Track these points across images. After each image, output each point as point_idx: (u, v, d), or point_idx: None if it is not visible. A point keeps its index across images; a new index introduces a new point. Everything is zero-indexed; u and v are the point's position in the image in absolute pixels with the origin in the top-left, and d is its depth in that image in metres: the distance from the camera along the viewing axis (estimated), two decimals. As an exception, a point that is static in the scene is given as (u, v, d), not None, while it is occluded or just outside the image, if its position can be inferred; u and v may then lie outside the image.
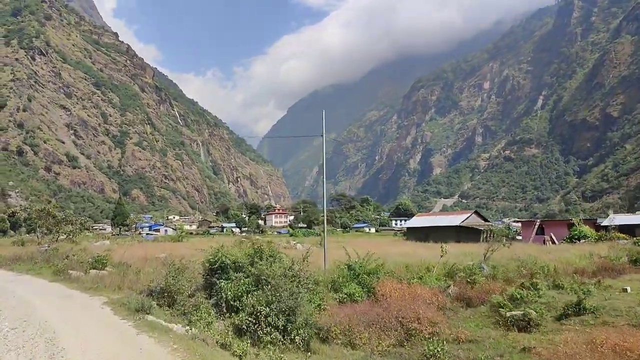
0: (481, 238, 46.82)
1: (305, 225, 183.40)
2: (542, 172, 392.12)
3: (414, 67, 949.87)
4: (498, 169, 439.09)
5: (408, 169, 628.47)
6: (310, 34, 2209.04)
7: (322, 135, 30.13)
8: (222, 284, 13.75)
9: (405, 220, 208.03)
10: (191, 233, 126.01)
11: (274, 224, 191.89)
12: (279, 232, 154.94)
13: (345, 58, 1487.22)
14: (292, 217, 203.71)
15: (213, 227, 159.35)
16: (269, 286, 13.38)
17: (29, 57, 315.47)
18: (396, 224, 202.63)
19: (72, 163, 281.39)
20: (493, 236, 37.57)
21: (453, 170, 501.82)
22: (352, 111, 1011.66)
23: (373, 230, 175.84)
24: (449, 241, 48.09)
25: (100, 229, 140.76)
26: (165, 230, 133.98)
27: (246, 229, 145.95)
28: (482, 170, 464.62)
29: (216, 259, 14.98)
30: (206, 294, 14.63)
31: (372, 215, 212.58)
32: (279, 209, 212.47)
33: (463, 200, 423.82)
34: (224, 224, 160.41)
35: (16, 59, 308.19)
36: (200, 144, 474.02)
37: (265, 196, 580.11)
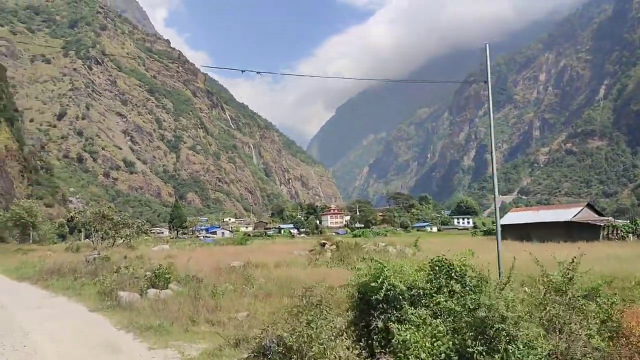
0: (601, 235, 39.22)
1: (363, 225, 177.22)
2: (607, 165, 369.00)
3: (464, 62, 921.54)
4: (559, 163, 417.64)
5: (462, 166, 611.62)
6: (356, 33, 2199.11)
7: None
8: (403, 334, 6.79)
9: (468, 218, 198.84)
10: (248, 235, 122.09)
11: (329, 225, 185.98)
12: (337, 233, 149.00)
13: (394, 55, 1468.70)
14: (347, 217, 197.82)
15: (269, 228, 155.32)
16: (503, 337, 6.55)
17: (86, 66, 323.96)
18: (458, 222, 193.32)
19: (129, 168, 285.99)
20: (617, 233, 29.76)
21: (511, 165, 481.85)
22: (402, 109, 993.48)
23: (435, 229, 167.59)
24: (558, 240, 40.59)
25: (158, 233, 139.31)
26: (222, 233, 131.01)
27: (304, 229, 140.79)
28: (542, 165, 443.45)
29: (378, 281, 7.75)
30: (359, 346, 7.53)
31: (432, 214, 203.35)
32: (334, 209, 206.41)
33: (523, 197, 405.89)
34: (281, 225, 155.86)
35: (74, 69, 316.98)
36: (252, 147, 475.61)
37: (317, 197, 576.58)
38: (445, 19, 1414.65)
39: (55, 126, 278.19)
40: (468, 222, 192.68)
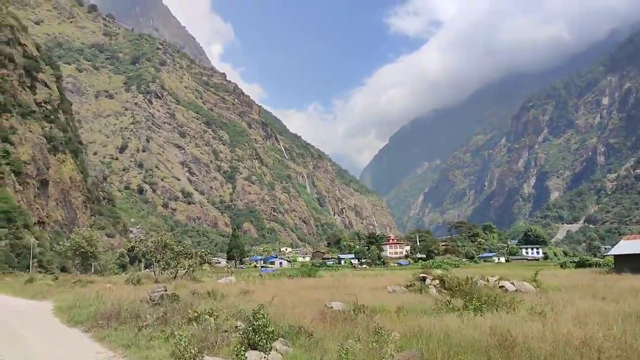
0: None
1: (424, 256, 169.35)
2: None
3: (520, 87, 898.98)
4: (629, 189, 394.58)
5: (522, 193, 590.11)
6: (409, 61, 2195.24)
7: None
8: None
9: (537, 248, 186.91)
10: (315, 265, 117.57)
11: (389, 255, 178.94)
12: (399, 264, 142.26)
13: (447, 82, 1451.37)
14: (407, 247, 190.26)
15: (328, 258, 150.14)
16: None
17: (146, 100, 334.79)
18: (527, 252, 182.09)
19: (187, 199, 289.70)
20: None
21: (575, 193, 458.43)
22: (456, 136, 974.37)
23: (502, 259, 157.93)
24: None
25: (216, 263, 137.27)
26: (280, 263, 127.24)
27: (365, 260, 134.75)
28: (609, 192, 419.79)
29: None
30: None
31: (498, 244, 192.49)
32: (393, 239, 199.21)
33: (590, 225, 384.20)
34: (341, 255, 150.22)
35: (135, 103, 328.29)
36: (306, 177, 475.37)
37: (371, 227, 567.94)
38: (499, 44, 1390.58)
39: (117, 158, 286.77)
40: (537, 252, 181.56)
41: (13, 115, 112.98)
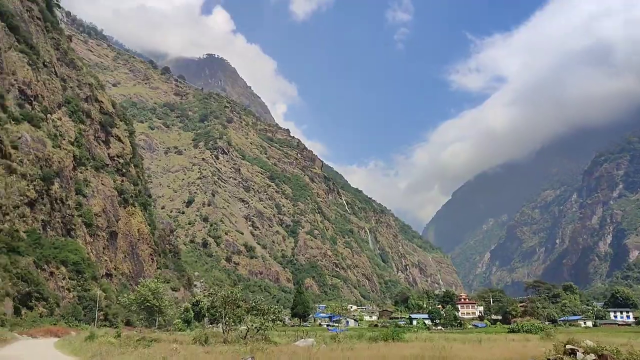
0: None
1: (501, 318, 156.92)
2: None
3: (590, 140, 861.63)
4: None
5: (597, 252, 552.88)
6: (471, 117, 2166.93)
7: None
8: None
9: (627, 312, 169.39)
10: (376, 325, 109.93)
11: (461, 315, 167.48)
12: (475, 325, 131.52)
13: (512, 137, 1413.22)
14: (481, 308, 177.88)
15: (397, 317, 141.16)
16: None
17: (213, 156, 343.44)
18: (615, 316, 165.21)
19: (249, 253, 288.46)
20: None
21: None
22: (524, 192, 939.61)
23: (589, 323, 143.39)
24: None
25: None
26: (347, 322, 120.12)
27: (439, 321, 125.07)
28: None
29: None
30: None
31: (581, 306, 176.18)
32: (465, 298, 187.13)
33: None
34: (412, 315, 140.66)
35: (203, 159, 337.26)
36: (368, 232, 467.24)
37: (436, 285, 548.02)
38: (566, 97, 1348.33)
39: (183, 212, 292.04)
40: (628, 317, 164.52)
41: (87, 169, 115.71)
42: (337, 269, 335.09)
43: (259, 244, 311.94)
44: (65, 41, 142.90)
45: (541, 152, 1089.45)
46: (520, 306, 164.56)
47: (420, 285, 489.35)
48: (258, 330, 41.28)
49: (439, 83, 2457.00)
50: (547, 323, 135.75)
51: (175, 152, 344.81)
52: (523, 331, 78.98)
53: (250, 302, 44.56)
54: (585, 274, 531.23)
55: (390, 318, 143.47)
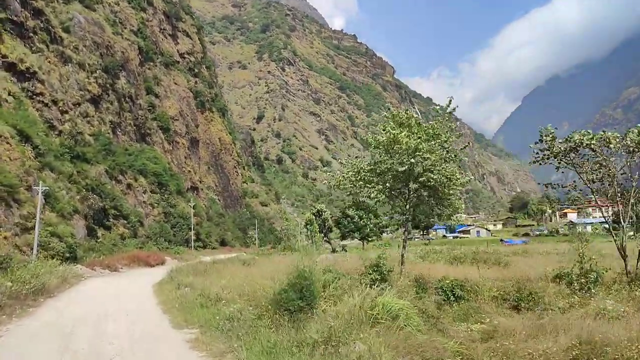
0: None
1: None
2: None
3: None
4: None
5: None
6: (539, 17, 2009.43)
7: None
8: None
9: None
10: (502, 239, 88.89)
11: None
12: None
13: (587, 34, 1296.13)
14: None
15: (525, 225, 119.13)
16: None
17: (279, 68, 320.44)
18: None
19: (326, 168, 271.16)
20: None
21: None
22: (602, 92, 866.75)
23: None
24: None
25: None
26: (478, 232, 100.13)
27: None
28: None
29: None
30: None
31: None
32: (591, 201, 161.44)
33: None
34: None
35: (268, 72, 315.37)
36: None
37: (513, 193, 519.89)
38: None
39: (254, 129, 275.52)
40: None
41: (156, 65, 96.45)
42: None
43: (334, 158, 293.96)
44: None
45: (622, 47, 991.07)
46: None
47: (499, 194, 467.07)
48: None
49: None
50: None
51: (239, 67, 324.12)
52: None
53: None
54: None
55: (516, 225, 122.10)
